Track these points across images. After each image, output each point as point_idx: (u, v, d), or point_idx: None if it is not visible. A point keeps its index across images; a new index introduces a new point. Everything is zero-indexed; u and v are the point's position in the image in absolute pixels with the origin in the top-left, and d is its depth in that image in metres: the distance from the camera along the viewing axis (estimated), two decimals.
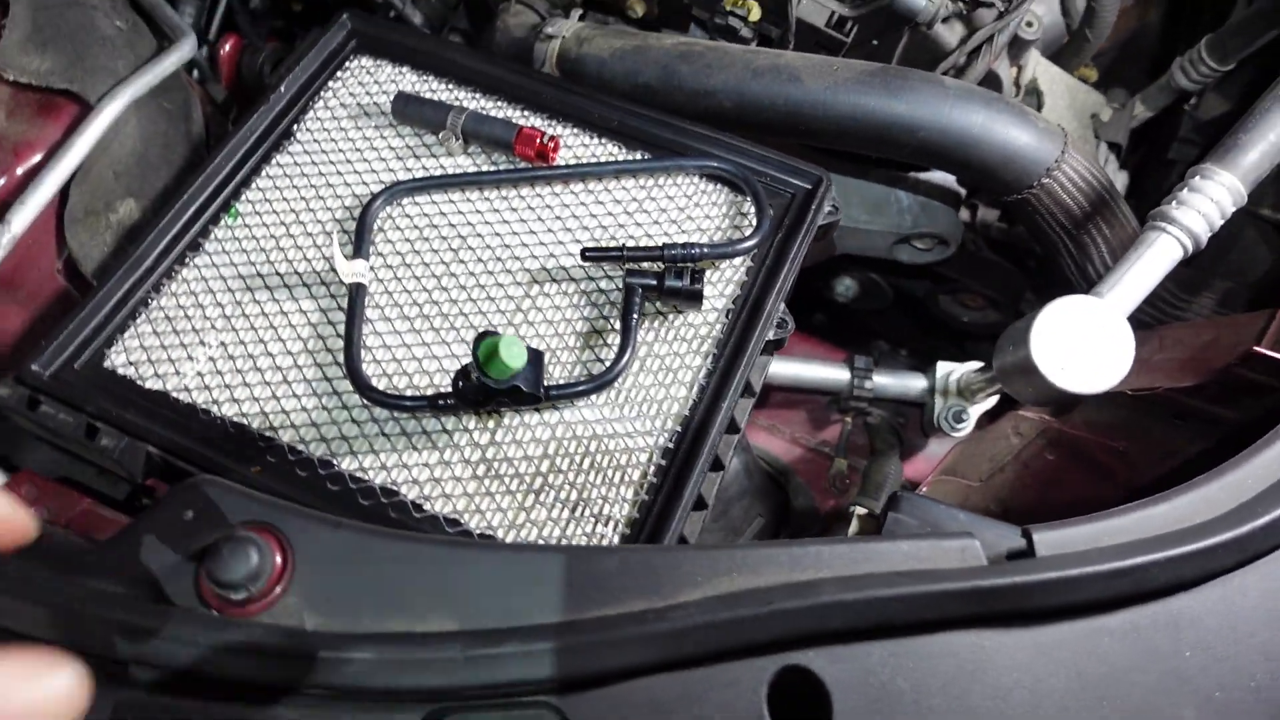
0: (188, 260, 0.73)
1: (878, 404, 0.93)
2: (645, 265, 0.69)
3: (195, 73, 0.91)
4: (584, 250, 0.69)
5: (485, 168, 0.77)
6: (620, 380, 0.67)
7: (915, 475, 0.96)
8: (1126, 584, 0.49)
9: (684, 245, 0.67)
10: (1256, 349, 0.62)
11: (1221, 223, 0.63)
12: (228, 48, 0.86)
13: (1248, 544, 0.51)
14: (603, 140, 0.78)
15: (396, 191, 0.75)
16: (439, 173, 0.77)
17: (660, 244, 0.68)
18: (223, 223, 0.75)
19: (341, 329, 0.69)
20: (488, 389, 0.59)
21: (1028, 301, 1.04)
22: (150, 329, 0.70)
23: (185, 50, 0.76)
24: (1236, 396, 0.67)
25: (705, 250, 0.67)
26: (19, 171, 0.69)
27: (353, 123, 0.80)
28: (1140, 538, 0.51)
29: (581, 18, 0.88)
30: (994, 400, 0.85)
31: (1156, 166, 1.14)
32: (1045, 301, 1.03)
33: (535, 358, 0.62)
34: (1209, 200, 0.63)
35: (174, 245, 0.73)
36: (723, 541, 0.84)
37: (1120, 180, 1.01)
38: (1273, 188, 0.91)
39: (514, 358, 0.58)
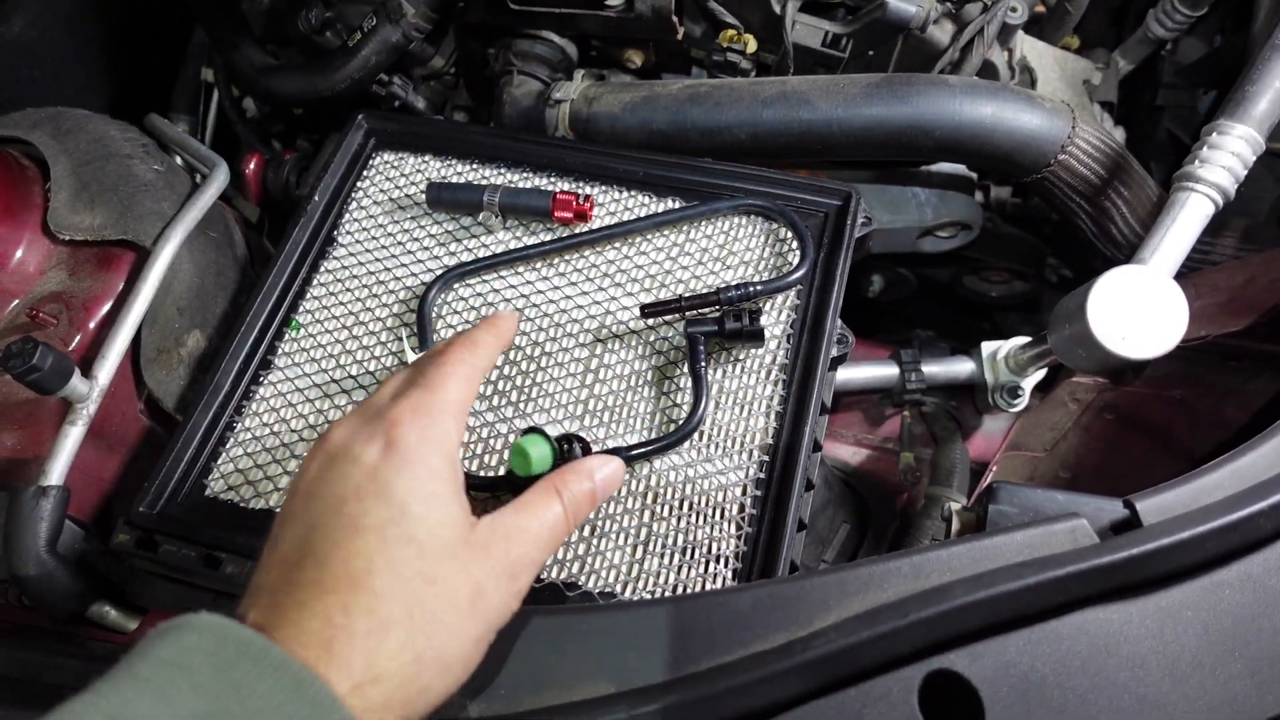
0: (262, 379, 0.76)
1: (930, 393, 0.96)
2: (705, 312, 0.71)
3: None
4: (643, 308, 0.71)
5: (526, 239, 0.80)
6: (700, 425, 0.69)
7: (977, 455, 0.98)
8: (1236, 537, 0.52)
9: (738, 286, 0.70)
10: None
11: (1245, 173, 0.66)
12: (252, 165, 0.89)
13: None
14: (631, 193, 0.81)
15: (449, 278, 0.77)
16: (482, 251, 0.79)
17: (715, 288, 0.71)
18: (287, 337, 0.78)
19: None
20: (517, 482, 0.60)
21: (1050, 268, 1.07)
22: (241, 451, 0.73)
23: (221, 179, 0.79)
24: None
25: (759, 288, 0.70)
26: (92, 325, 0.71)
27: (389, 218, 0.83)
28: (1237, 490, 0.54)
29: (583, 77, 0.91)
30: (1044, 372, 0.88)
31: (1144, 114, 1.17)
32: (1069, 265, 1.07)
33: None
34: (1230, 154, 0.65)
35: (246, 368, 0.76)
36: (812, 554, 0.86)
37: (1119, 136, 1.04)
38: None
39: (538, 460, 0.58)
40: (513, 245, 0.79)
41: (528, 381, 0.73)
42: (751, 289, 0.70)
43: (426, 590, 0.45)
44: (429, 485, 0.48)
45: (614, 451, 0.67)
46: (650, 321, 0.74)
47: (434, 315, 0.77)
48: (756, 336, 0.69)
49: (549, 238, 0.79)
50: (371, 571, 0.44)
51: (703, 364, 0.69)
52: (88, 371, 0.68)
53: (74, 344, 0.70)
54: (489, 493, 0.65)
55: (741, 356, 0.72)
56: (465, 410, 0.53)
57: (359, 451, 0.49)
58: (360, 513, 0.46)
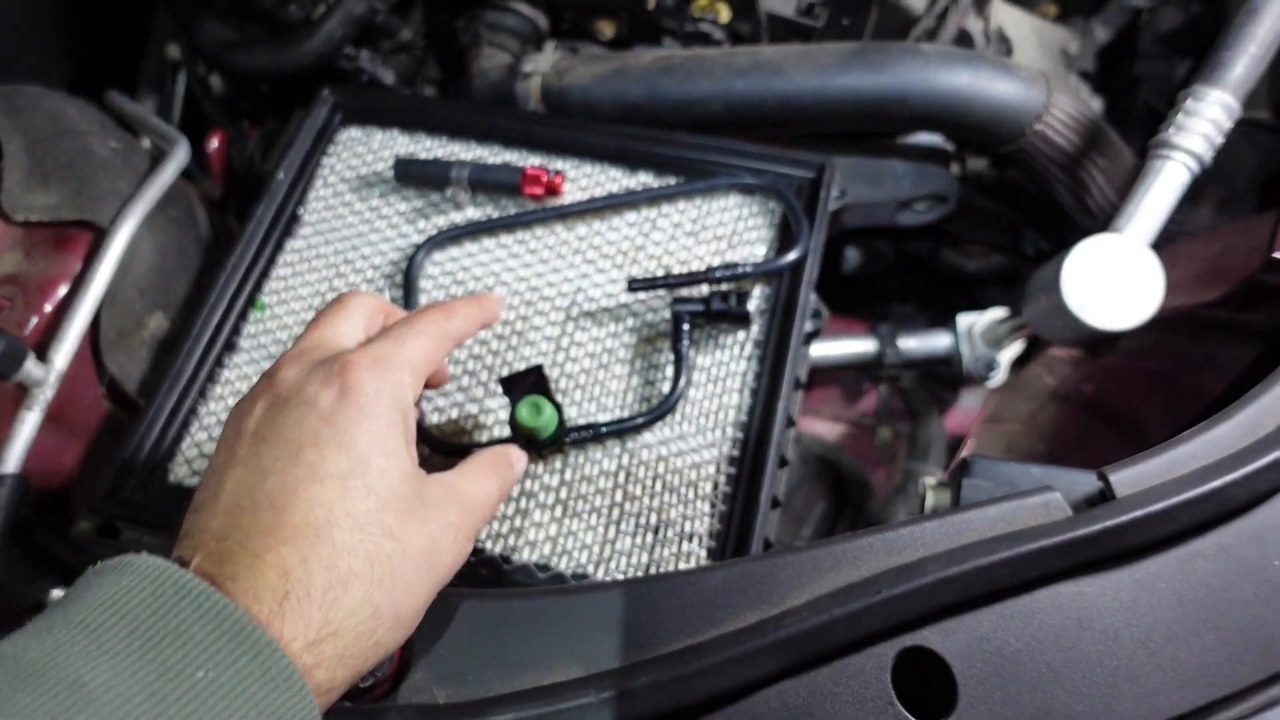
0: (225, 362, 0.74)
1: (907, 367, 0.95)
2: (690, 290, 0.70)
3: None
4: (630, 281, 0.69)
5: (495, 214, 0.78)
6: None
7: (954, 428, 0.98)
8: (1210, 507, 0.51)
9: (727, 265, 0.68)
10: (1278, 255, 0.64)
11: (1222, 140, 0.65)
12: (215, 143, 0.87)
13: None
14: (604, 166, 0.79)
15: (438, 240, 0.76)
16: (448, 227, 0.78)
17: (706, 267, 0.69)
18: (251, 318, 0.76)
19: None
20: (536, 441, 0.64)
21: (1028, 240, 1.06)
22: (206, 435, 0.71)
23: (181, 157, 0.77)
24: (1261, 302, 0.69)
25: (750, 269, 0.68)
26: (48, 308, 0.69)
27: (355, 195, 0.81)
28: (1211, 461, 0.53)
29: (553, 49, 0.89)
30: (1021, 345, 0.87)
31: (1123, 85, 1.16)
32: (1046, 237, 1.06)
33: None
34: (1206, 120, 0.65)
35: (210, 350, 0.74)
36: (789, 531, 0.86)
37: (1096, 106, 1.03)
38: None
39: (546, 421, 0.62)
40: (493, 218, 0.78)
41: (499, 362, 0.72)
42: (742, 269, 0.69)
43: (387, 544, 0.44)
44: (388, 439, 0.47)
45: (590, 428, 0.66)
46: (625, 298, 0.73)
47: (418, 277, 0.75)
48: (742, 319, 0.68)
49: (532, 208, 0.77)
50: (333, 523, 0.43)
51: (685, 344, 0.68)
52: (44, 355, 0.67)
53: (30, 328, 0.68)
54: (448, 456, 0.66)
55: (714, 331, 0.71)
56: (426, 369, 0.52)
57: (314, 394, 0.46)
58: (319, 460, 0.44)
